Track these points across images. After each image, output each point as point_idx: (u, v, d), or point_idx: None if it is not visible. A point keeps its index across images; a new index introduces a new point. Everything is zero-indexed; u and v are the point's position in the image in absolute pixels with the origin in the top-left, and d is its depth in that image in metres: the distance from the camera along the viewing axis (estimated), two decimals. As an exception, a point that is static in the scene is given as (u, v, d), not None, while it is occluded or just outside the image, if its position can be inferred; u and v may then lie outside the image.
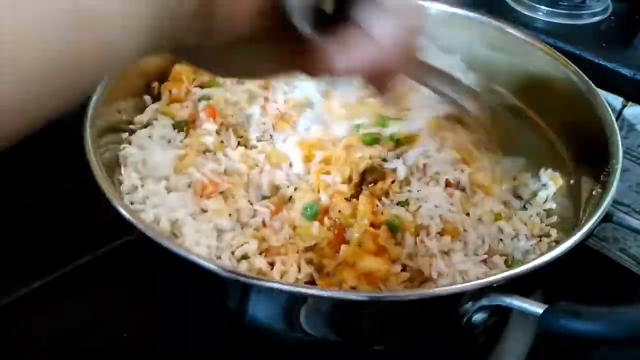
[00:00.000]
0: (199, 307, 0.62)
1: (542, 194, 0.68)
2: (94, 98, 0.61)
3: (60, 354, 0.63)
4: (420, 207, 0.62)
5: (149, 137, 0.68)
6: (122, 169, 0.64)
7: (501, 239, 0.63)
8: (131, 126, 0.70)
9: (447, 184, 0.65)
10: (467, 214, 0.64)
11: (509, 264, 0.62)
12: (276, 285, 0.45)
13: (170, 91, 0.74)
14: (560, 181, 0.68)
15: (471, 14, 0.78)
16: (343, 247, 0.57)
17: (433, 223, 0.61)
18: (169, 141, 0.69)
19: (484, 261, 0.61)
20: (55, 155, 0.75)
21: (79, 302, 0.67)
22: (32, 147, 0.76)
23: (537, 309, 0.43)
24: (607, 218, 0.54)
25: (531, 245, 0.63)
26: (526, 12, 0.82)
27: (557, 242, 0.61)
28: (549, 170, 0.70)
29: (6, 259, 0.68)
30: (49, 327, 0.65)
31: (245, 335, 0.60)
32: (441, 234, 0.61)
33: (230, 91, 0.75)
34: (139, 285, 0.68)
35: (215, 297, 0.53)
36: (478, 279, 0.57)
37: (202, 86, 0.76)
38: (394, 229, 0.60)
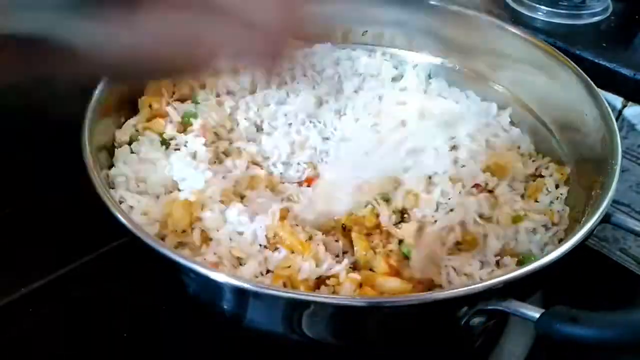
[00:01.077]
0: (199, 309, 0.63)
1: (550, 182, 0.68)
2: (88, 114, 0.61)
3: (61, 354, 0.63)
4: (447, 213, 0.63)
5: (134, 153, 0.67)
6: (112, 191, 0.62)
7: (516, 238, 0.63)
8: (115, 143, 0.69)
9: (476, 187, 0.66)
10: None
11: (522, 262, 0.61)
12: (275, 292, 0.45)
13: (150, 106, 0.72)
14: (568, 169, 0.68)
15: (471, 14, 0.78)
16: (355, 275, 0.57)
17: (452, 234, 0.61)
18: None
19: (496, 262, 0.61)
20: (54, 156, 0.75)
21: (79, 302, 0.67)
22: (33, 148, 0.77)
23: (534, 313, 0.43)
24: (606, 218, 0.54)
25: (550, 237, 0.63)
26: (526, 12, 0.82)
27: (561, 241, 0.61)
28: (552, 164, 0.70)
29: (6, 259, 0.69)
30: (49, 327, 0.65)
31: (245, 337, 0.60)
32: (459, 243, 0.61)
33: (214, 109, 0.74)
34: (139, 285, 0.69)
35: (214, 301, 0.53)
36: (481, 279, 0.58)
37: (181, 100, 0.75)
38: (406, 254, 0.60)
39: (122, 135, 0.69)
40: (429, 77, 0.84)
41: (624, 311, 0.41)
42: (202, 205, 0.60)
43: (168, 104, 0.73)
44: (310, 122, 0.74)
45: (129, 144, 0.68)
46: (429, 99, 0.80)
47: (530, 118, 0.76)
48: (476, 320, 0.46)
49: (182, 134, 0.70)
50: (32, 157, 0.79)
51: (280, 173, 0.69)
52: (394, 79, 0.83)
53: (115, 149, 0.67)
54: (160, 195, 0.63)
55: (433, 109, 0.76)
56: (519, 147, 0.74)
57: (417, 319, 0.49)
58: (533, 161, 0.72)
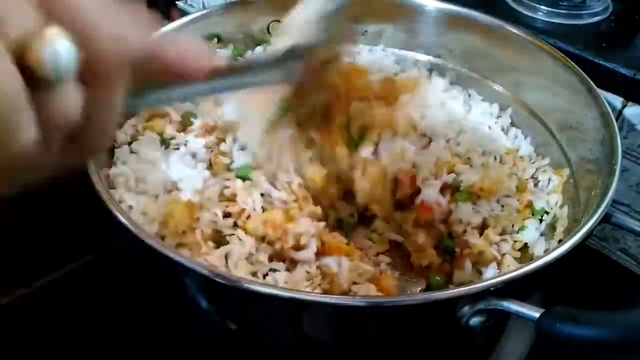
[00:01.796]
0: (198, 309, 0.62)
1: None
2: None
3: (60, 354, 0.63)
4: None
5: (133, 153, 0.67)
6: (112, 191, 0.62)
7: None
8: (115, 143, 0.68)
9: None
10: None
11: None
12: (276, 292, 0.45)
13: None
14: (567, 171, 0.68)
15: (471, 14, 0.78)
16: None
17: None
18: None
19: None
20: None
21: (79, 301, 0.67)
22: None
23: (534, 313, 0.43)
24: (606, 218, 0.54)
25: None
26: (526, 12, 0.82)
27: (561, 241, 0.61)
28: (549, 167, 0.70)
29: (6, 259, 0.69)
30: (49, 326, 0.65)
31: (244, 338, 0.60)
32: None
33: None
34: (140, 284, 0.69)
35: (213, 302, 0.53)
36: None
37: None
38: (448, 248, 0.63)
39: (122, 135, 0.68)
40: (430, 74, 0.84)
41: (624, 311, 0.41)
42: (201, 206, 0.60)
43: None
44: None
45: (129, 144, 0.68)
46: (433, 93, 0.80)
47: (530, 118, 0.75)
48: (476, 320, 0.46)
49: (182, 133, 0.70)
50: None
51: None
52: (395, 75, 0.83)
53: (115, 149, 0.67)
54: (160, 195, 0.63)
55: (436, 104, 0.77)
56: (517, 150, 0.74)
57: (417, 319, 0.49)
58: (532, 163, 0.72)
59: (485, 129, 0.76)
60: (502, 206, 0.67)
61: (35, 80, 0.26)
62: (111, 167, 0.65)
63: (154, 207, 0.61)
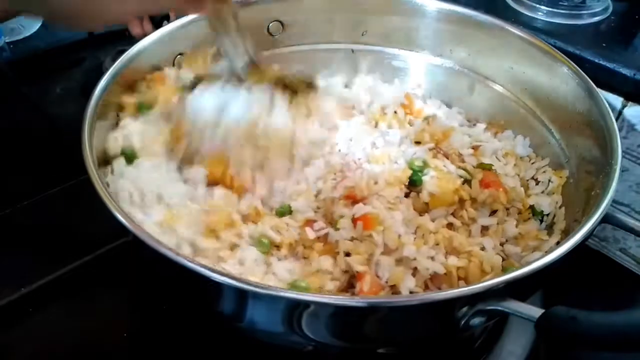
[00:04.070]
0: (198, 309, 0.62)
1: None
2: (88, 114, 0.60)
3: (60, 354, 0.63)
4: None
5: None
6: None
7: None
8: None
9: None
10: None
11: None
12: (275, 293, 0.45)
13: None
14: (566, 172, 0.68)
15: (471, 14, 0.78)
16: None
17: None
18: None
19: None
20: (55, 156, 0.76)
21: (79, 302, 0.67)
22: (33, 151, 0.77)
23: (534, 313, 0.43)
24: (606, 218, 0.54)
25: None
26: (526, 12, 0.82)
27: (558, 243, 0.61)
28: (549, 168, 0.70)
29: (6, 259, 0.69)
30: (48, 327, 0.65)
31: (245, 338, 0.60)
32: None
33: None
34: (138, 285, 0.69)
35: (215, 302, 0.53)
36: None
37: None
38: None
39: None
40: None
41: (624, 311, 0.41)
42: None
43: None
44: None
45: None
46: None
47: (530, 118, 0.76)
48: (476, 320, 0.46)
49: None
50: (32, 157, 0.78)
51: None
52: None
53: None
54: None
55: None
56: (516, 151, 0.74)
57: (417, 319, 0.49)
58: (532, 163, 0.72)
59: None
60: (507, 209, 0.67)
61: None
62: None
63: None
